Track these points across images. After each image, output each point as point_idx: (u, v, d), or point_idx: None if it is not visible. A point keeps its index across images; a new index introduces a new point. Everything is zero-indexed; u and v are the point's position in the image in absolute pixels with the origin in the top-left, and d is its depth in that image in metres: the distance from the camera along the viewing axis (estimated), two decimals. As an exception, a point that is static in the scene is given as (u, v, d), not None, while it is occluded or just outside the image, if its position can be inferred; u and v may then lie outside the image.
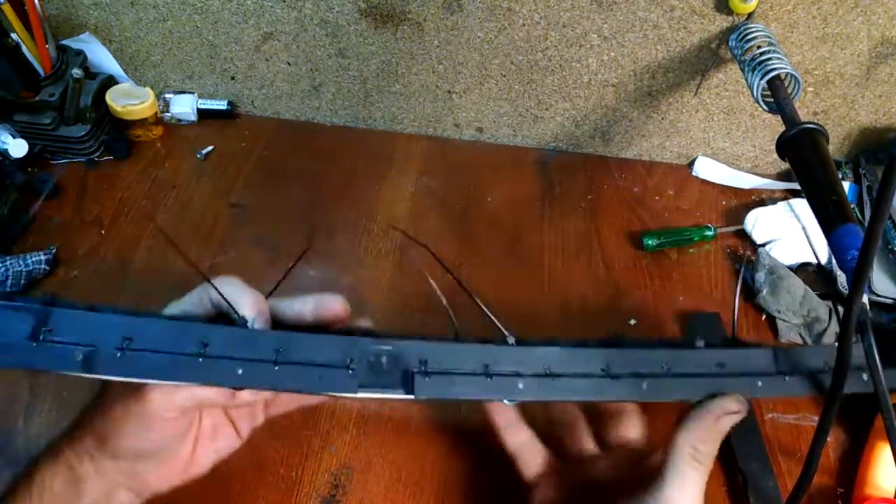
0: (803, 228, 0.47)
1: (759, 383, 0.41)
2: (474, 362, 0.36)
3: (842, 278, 0.64)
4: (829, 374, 0.41)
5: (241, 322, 0.35)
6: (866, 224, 0.33)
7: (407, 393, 0.35)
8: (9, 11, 0.65)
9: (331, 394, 0.35)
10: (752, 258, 0.67)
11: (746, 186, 0.76)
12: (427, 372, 0.35)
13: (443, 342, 0.36)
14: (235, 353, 0.33)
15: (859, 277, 0.35)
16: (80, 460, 0.37)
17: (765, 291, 0.63)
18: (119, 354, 0.32)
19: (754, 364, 0.42)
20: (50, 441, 0.38)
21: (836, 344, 0.39)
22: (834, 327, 0.60)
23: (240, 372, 0.33)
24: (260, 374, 0.33)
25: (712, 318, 0.63)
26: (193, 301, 0.37)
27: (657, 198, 0.75)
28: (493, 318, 0.37)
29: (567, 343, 0.41)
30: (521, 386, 0.37)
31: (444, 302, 0.38)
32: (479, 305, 0.38)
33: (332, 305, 0.37)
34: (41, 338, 0.32)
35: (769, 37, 0.61)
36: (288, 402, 0.44)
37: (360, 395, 0.34)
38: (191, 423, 0.39)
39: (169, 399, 0.35)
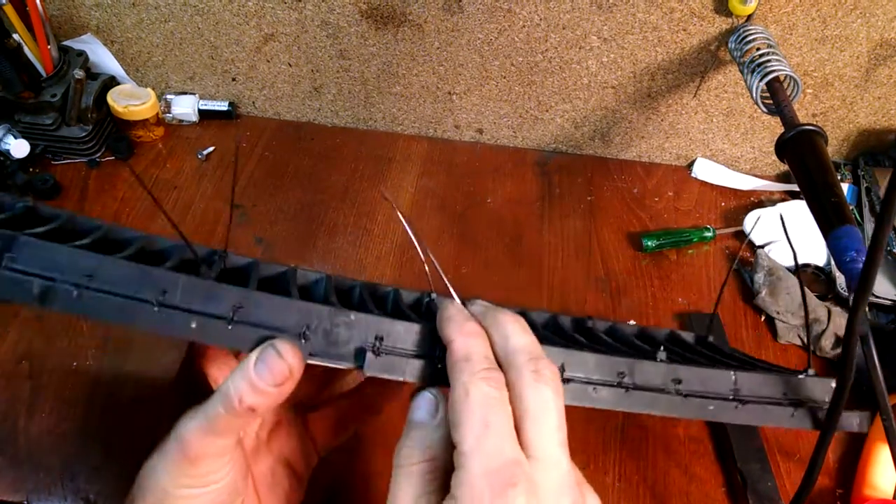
0: (785, 230, 0.47)
1: (711, 407, 0.38)
2: (429, 345, 0.34)
3: (840, 279, 0.64)
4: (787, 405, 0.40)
5: (206, 273, 0.33)
6: (869, 240, 0.33)
7: (358, 367, 0.33)
8: (10, 12, 0.65)
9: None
10: (751, 259, 0.68)
11: (745, 188, 0.76)
12: (380, 350, 0.33)
13: (404, 321, 0.35)
14: (193, 304, 0.32)
15: (863, 287, 0.35)
16: None
17: (764, 292, 0.63)
18: (76, 292, 0.30)
19: (712, 383, 0.39)
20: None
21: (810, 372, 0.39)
22: (832, 328, 0.60)
23: (193, 325, 0.31)
24: (212, 331, 0.32)
25: (712, 320, 0.63)
26: None
27: (656, 199, 0.75)
28: (456, 295, 0.36)
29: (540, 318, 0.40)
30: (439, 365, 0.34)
31: (446, 281, 0.37)
32: (447, 285, 0.37)
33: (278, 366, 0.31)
34: (2, 264, 0.30)
35: (768, 39, 0.62)
36: (335, 435, 0.42)
37: (311, 361, 0.33)
38: (240, 471, 0.35)
39: (208, 443, 0.32)
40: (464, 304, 0.36)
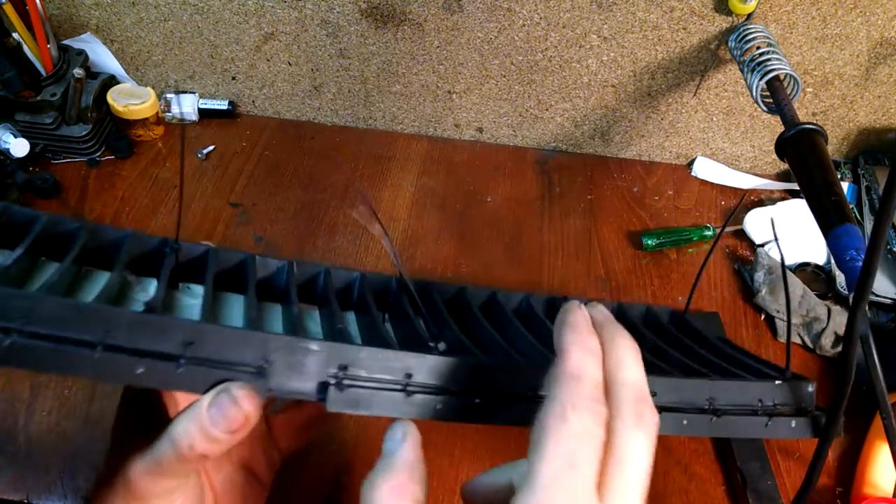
0: (774, 234, 0.46)
1: (685, 421, 0.36)
2: (397, 372, 0.32)
3: (840, 278, 0.64)
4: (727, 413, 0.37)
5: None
6: (867, 238, 0.33)
7: (321, 401, 0.30)
8: (10, 11, 0.65)
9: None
10: (751, 258, 0.68)
11: (745, 187, 0.76)
12: (343, 383, 0.31)
13: (370, 347, 0.32)
14: (139, 344, 0.28)
15: (862, 287, 0.35)
16: None
17: (763, 291, 0.63)
18: (7, 341, 0.26)
19: (688, 394, 0.36)
20: None
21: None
22: (832, 327, 0.60)
23: (139, 371, 0.28)
24: (161, 375, 0.28)
25: (712, 318, 0.63)
26: None
27: (656, 198, 0.75)
28: (415, 295, 0.35)
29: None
30: (439, 406, 0.32)
31: (390, 249, 0.36)
32: (405, 279, 0.36)
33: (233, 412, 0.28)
34: None
35: (768, 37, 0.62)
36: (296, 441, 0.41)
37: (271, 395, 0.30)
38: (197, 491, 0.34)
39: (154, 483, 0.31)
40: (553, 300, 0.34)
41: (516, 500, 0.25)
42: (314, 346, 0.30)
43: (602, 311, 0.32)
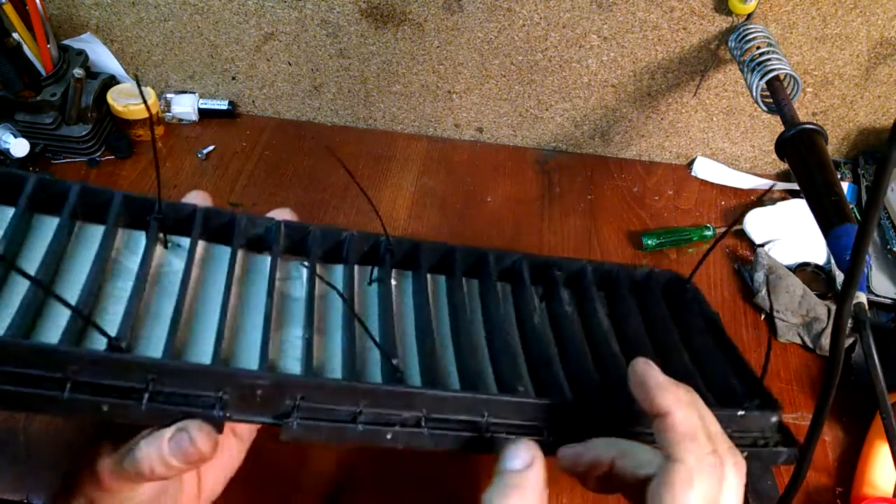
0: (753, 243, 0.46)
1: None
2: (350, 404, 0.33)
3: (840, 278, 0.64)
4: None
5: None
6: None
7: (278, 426, 0.32)
8: (10, 11, 0.65)
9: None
10: (751, 258, 0.68)
11: (745, 186, 0.76)
12: (297, 415, 0.32)
13: (327, 379, 0.34)
14: (105, 380, 0.30)
15: (853, 271, 0.35)
16: None
17: (763, 291, 0.63)
18: None
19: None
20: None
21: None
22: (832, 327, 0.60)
23: (105, 409, 0.30)
24: (124, 412, 0.30)
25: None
26: None
27: (656, 198, 0.75)
28: (365, 327, 0.36)
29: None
30: (388, 436, 0.33)
31: (378, 215, 0.39)
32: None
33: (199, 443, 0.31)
34: None
35: (768, 37, 0.62)
36: None
37: (231, 420, 0.32)
38: None
39: (122, 482, 0.33)
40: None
41: None
42: (265, 381, 0.32)
43: (658, 372, 0.33)
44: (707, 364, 0.45)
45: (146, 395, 0.30)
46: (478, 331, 0.43)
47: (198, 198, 0.40)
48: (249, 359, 0.35)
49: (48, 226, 0.37)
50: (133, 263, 0.37)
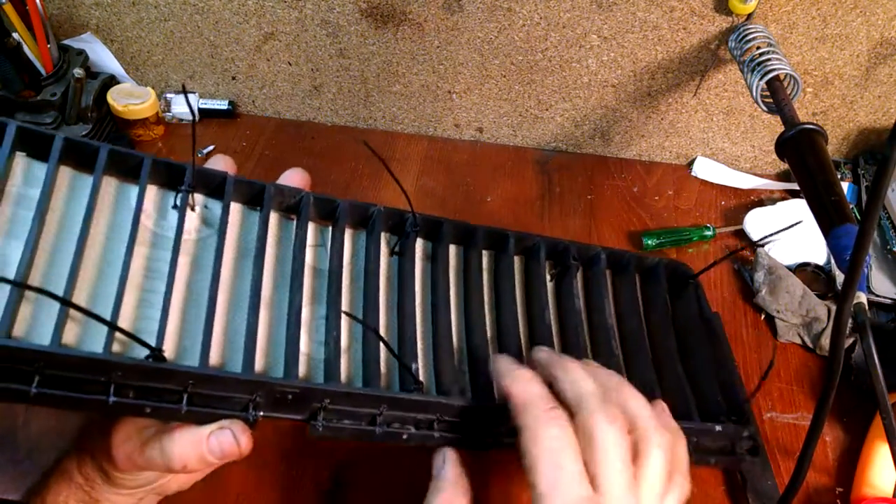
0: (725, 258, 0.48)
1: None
2: (371, 407, 0.37)
3: (840, 278, 0.64)
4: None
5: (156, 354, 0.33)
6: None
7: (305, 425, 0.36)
8: (10, 11, 0.65)
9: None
10: (750, 258, 0.68)
11: (745, 186, 0.76)
12: (323, 417, 0.36)
13: (347, 387, 0.37)
14: (148, 384, 0.33)
15: (853, 271, 0.35)
16: (91, 485, 0.36)
17: (764, 291, 0.63)
18: (34, 392, 0.30)
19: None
20: (58, 459, 0.38)
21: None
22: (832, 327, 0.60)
23: (147, 410, 0.32)
24: (166, 412, 0.33)
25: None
26: None
27: (656, 198, 0.75)
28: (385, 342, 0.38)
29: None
30: (405, 437, 0.38)
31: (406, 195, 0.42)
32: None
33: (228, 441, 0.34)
34: None
35: (768, 37, 0.62)
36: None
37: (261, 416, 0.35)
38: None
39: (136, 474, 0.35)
40: (509, 351, 0.42)
41: None
42: (294, 389, 0.35)
43: (545, 351, 0.39)
44: (698, 374, 0.48)
45: (185, 398, 0.33)
46: (487, 312, 0.46)
47: (220, 162, 0.41)
48: (280, 352, 0.38)
49: (84, 183, 0.38)
50: (163, 230, 0.39)
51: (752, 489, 0.51)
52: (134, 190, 0.39)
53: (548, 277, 0.50)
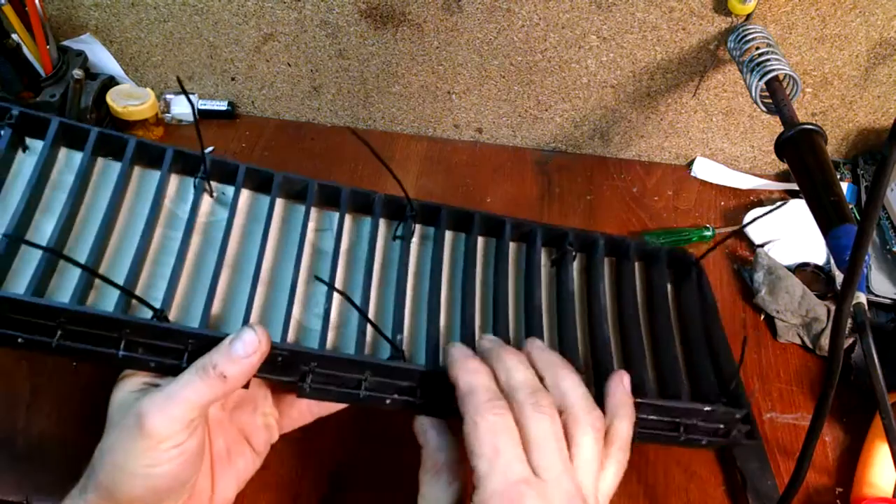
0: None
1: None
2: (356, 373, 0.39)
3: (840, 278, 0.64)
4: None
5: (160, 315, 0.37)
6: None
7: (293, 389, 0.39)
8: (9, 12, 0.65)
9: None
10: (751, 258, 0.68)
11: (745, 187, 0.76)
12: (311, 380, 0.39)
13: (333, 353, 0.40)
14: (160, 342, 0.37)
15: (852, 271, 0.35)
16: None
17: (763, 291, 0.63)
18: (55, 344, 0.35)
19: None
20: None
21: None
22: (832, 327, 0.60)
23: (152, 365, 0.37)
24: (170, 369, 0.37)
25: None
26: None
27: (656, 198, 0.75)
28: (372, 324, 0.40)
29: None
30: (388, 402, 0.41)
31: (399, 182, 0.45)
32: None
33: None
34: None
35: (768, 38, 0.62)
36: (300, 417, 0.45)
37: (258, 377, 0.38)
38: (201, 444, 0.36)
39: (168, 418, 0.34)
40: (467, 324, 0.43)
41: (474, 498, 0.32)
42: (284, 352, 0.38)
43: (488, 339, 0.41)
44: (694, 355, 0.49)
45: (186, 356, 0.37)
46: (480, 293, 0.48)
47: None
48: (276, 319, 0.41)
49: (113, 169, 0.44)
50: (182, 212, 0.44)
51: (752, 489, 0.51)
52: (156, 176, 0.44)
53: (548, 263, 0.51)
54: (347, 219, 0.48)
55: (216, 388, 0.35)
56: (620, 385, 0.41)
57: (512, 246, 0.50)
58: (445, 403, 0.39)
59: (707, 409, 0.43)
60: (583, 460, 0.34)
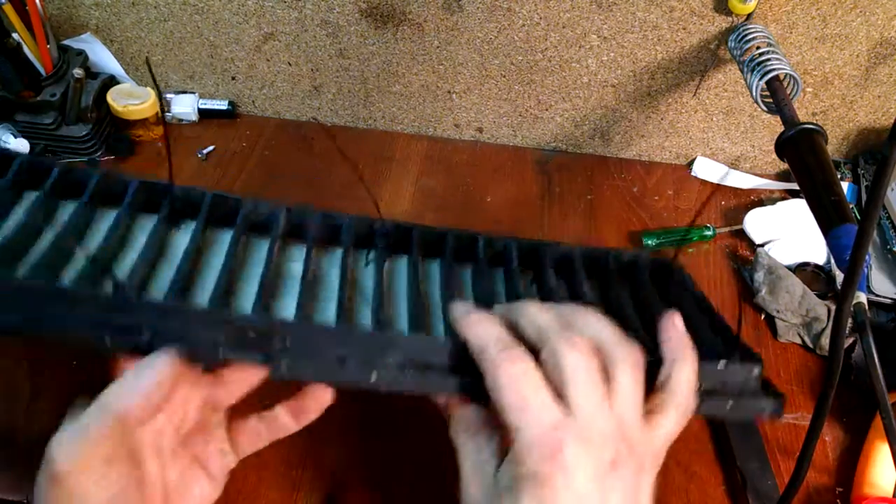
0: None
1: None
2: (334, 347, 0.36)
3: (840, 278, 0.64)
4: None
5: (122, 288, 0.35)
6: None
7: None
8: (10, 11, 0.65)
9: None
10: (751, 258, 0.68)
11: (745, 186, 0.76)
12: (286, 356, 0.35)
13: (308, 324, 0.38)
14: (116, 321, 0.34)
15: (853, 271, 0.35)
16: None
17: (763, 291, 0.63)
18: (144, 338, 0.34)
19: None
20: None
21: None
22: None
23: (108, 345, 0.34)
24: (131, 349, 0.34)
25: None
26: None
27: (656, 198, 0.75)
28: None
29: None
30: (373, 378, 0.36)
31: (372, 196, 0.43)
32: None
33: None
34: None
35: (768, 37, 0.62)
36: (257, 440, 0.42)
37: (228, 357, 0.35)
38: (139, 478, 0.34)
39: (70, 455, 0.31)
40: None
41: (512, 453, 0.31)
42: (256, 323, 0.35)
43: (501, 305, 0.38)
44: (691, 325, 0.45)
45: (149, 336, 0.34)
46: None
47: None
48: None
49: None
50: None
51: (752, 489, 0.51)
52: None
53: (526, 283, 0.48)
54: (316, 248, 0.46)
55: (119, 429, 0.33)
56: (673, 326, 0.37)
57: (489, 266, 0.48)
58: (450, 376, 0.36)
59: (720, 366, 0.39)
60: (622, 395, 0.32)
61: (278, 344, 0.35)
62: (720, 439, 0.55)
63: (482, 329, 0.34)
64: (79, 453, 0.31)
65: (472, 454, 0.34)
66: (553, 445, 0.30)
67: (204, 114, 0.79)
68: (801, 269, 0.66)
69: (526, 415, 0.31)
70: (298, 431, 0.46)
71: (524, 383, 0.31)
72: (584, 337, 0.33)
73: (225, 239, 0.43)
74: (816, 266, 0.67)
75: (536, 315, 0.35)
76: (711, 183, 0.77)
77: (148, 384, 0.33)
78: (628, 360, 0.33)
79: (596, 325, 0.35)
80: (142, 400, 0.33)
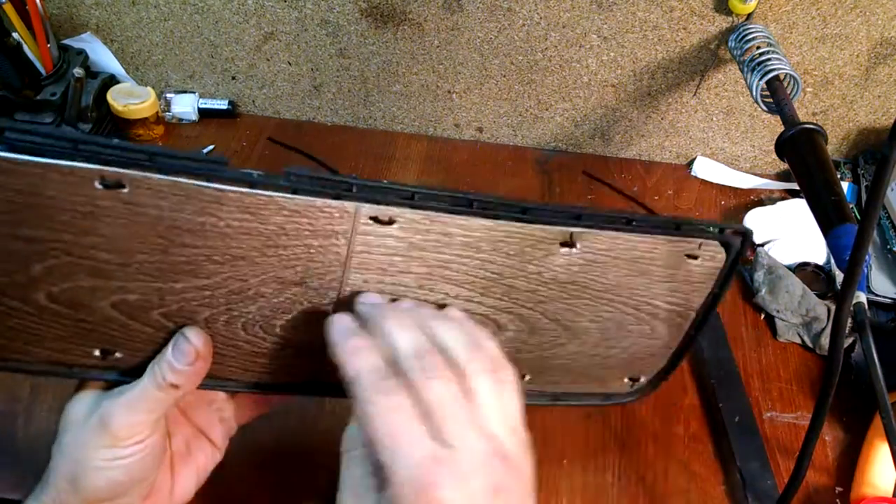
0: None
1: None
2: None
3: (840, 278, 0.64)
4: None
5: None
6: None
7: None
8: (10, 11, 0.65)
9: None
10: (751, 258, 0.68)
11: (745, 186, 0.76)
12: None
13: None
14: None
15: (853, 271, 0.35)
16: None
17: (763, 291, 0.63)
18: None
19: None
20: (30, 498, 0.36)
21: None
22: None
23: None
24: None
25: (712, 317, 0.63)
26: None
27: (656, 198, 0.75)
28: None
29: None
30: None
31: None
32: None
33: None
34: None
35: (768, 37, 0.62)
36: (255, 407, 0.44)
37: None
38: (161, 443, 0.37)
39: (129, 421, 0.35)
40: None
41: (387, 492, 0.29)
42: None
43: (367, 300, 0.36)
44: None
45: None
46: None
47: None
48: None
49: None
50: None
51: (751, 489, 0.51)
52: None
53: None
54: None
55: (170, 397, 0.36)
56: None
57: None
58: None
59: (712, 227, 0.39)
60: (485, 408, 0.31)
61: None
62: (720, 439, 0.55)
63: (356, 359, 0.32)
64: (132, 421, 0.35)
65: (349, 481, 0.32)
66: (427, 483, 0.28)
67: (204, 113, 0.79)
68: (800, 269, 0.66)
69: (398, 451, 0.29)
70: (298, 434, 0.46)
71: (395, 416, 0.30)
72: (441, 359, 0.32)
73: None
74: (816, 266, 0.67)
75: (393, 335, 0.33)
76: (711, 183, 0.77)
77: (192, 363, 0.35)
78: (481, 369, 0.32)
79: (444, 335, 0.33)
80: (192, 378, 0.36)
